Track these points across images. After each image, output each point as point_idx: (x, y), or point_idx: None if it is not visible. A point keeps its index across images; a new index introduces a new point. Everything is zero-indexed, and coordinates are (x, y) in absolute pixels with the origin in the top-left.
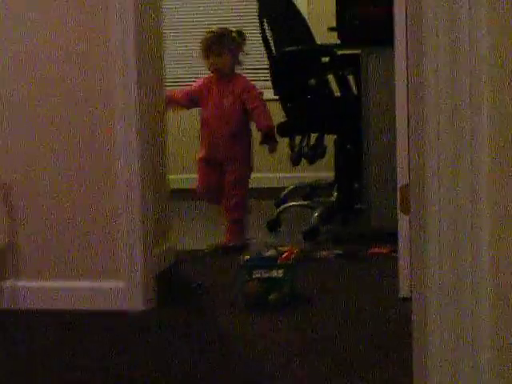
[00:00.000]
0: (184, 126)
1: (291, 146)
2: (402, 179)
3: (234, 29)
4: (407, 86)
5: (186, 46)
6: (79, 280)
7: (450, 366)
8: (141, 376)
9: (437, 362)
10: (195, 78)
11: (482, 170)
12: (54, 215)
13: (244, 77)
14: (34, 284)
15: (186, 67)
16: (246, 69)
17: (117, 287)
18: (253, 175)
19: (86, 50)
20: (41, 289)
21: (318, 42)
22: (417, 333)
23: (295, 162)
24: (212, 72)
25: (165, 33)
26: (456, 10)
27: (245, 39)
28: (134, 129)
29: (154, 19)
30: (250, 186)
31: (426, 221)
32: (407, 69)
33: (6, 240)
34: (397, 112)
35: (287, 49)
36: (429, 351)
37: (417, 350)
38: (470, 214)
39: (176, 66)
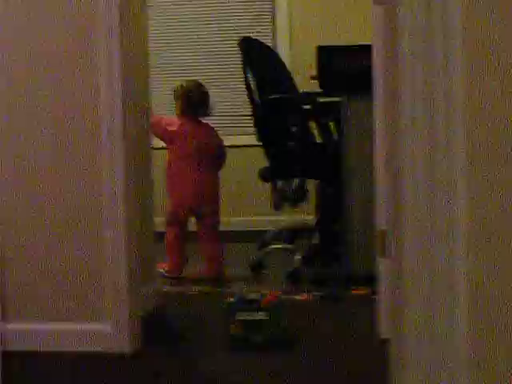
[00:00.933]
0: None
1: (273, 191)
2: (381, 223)
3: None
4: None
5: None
6: (65, 322)
7: None
8: None
9: None
10: None
11: (458, 219)
12: (39, 258)
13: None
14: (20, 326)
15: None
16: (231, 115)
17: (102, 329)
18: (236, 219)
19: (74, 83)
20: (27, 331)
21: (300, 90)
22: (394, 373)
23: (277, 206)
24: None
25: (153, 73)
26: (432, 59)
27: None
28: (120, 170)
29: (141, 62)
30: (232, 228)
31: (403, 266)
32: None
33: None
34: (375, 158)
35: (270, 97)
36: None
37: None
38: (446, 260)
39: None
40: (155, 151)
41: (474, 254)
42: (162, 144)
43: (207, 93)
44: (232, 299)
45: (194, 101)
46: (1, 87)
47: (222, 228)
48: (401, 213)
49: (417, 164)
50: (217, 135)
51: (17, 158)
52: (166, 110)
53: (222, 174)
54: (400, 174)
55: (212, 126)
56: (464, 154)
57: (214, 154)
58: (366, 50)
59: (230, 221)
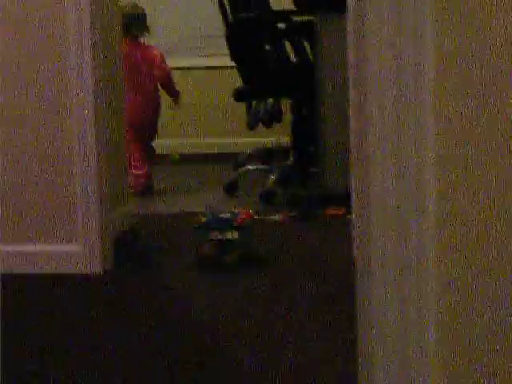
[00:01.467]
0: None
1: (248, 111)
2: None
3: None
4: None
5: None
6: (35, 243)
7: (392, 309)
8: (93, 339)
9: (380, 311)
10: None
11: (426, 131)
12: (9, 179)
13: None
14: None
15: None
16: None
17: (73, 250)
18: (211, 140)
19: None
20: None
21: (274, 8)
22: (360, 286)
23: (252, 126)
24: None
25: None
26: None
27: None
28: (88, 78)
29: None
30: (207, 151)
31: (369, 183)
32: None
33: None
34: (350, 78)
35: (243, 15)
36: (373, 300)
37: (361, 298)
38: (414, 169)
39: None
40: None
41: (442, 167)
42: None
43: (139, 11)
44: (204, 218)
45: (125, 21)
46: None
47: (196, 150)
48: (367, 130)
49: (384, 85)
50: (161, 62)
51: None
52: None
53: (198, 95)
54: (366, 92)
55: (158, 51)
56: (432, 66)
57: (149, 78)
58: None
59: (204, 143)
